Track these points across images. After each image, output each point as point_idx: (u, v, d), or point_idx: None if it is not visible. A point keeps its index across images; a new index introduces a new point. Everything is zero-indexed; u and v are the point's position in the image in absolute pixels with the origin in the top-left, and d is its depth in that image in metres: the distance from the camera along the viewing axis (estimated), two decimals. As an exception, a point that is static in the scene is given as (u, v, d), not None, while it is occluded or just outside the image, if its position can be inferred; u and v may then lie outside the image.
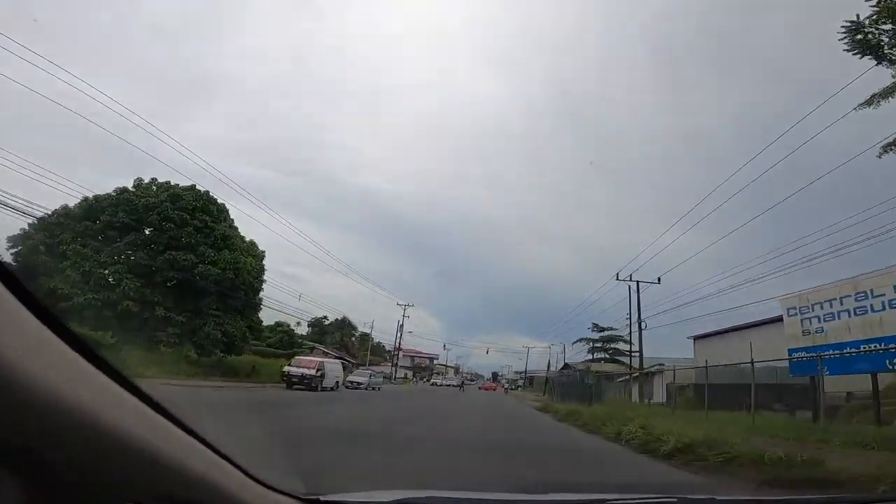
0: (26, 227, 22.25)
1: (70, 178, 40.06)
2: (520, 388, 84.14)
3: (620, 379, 34.03)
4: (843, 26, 9.71)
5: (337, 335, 77.67)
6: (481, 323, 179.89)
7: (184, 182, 26.09)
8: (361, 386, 33.09)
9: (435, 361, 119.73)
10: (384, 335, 78.44)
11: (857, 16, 9.50)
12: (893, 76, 9.98)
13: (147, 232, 24.34)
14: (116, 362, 0.75)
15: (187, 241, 24.31)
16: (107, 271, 22.34)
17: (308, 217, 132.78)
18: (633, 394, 31.35)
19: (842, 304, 14.08)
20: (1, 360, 0.57)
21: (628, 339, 59.38)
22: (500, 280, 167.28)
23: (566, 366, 51.06)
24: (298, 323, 74.38)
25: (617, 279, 28.08)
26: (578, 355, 64.72)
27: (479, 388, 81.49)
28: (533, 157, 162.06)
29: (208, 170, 48.79)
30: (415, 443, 8.85)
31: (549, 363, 71.18)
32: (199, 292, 24.27)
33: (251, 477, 1.12)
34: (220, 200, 27.31)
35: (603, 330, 72.30)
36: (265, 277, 29.13)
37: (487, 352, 78.16)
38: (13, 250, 22.10)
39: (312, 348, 71.64)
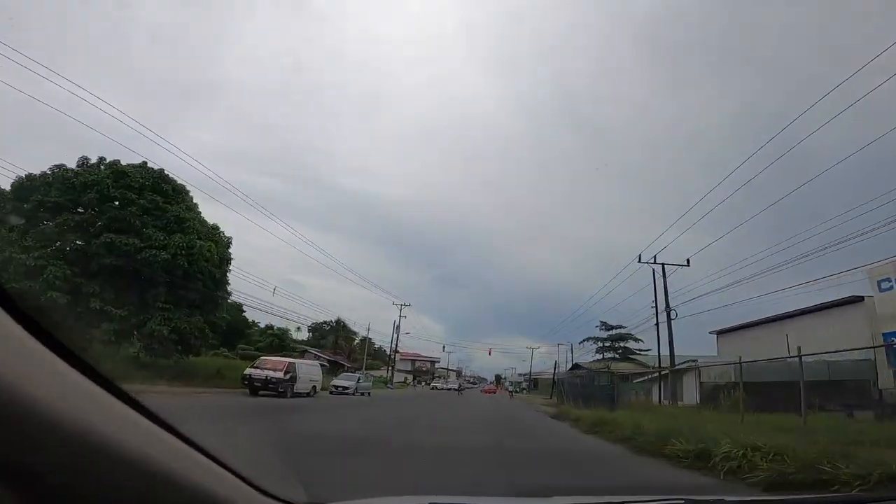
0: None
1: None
2: (524, 391, 79.95)
3: (640, 379, 30.04)
4: None
5: (331, 338, 73.66)
6: (483, 327, 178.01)
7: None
8: (348, 391, 29.32)
9: (436, 365, 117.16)
10: (387, 339, 75.31)
11: None
12: None
13: (82, 212, 20.57)
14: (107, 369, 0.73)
15: (132, 222, 20.54)
16: (28, 256, 18.53)
17: (307, 222, 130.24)
18: (654, 395, 27.45)
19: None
20: None
21: (639, 337, 55.88)
22: (501, 283, 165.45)
23: (576, 366, 47.01)
24: (298, 328, 71.13)
25: (639, 261, 24.29)
26: (585, 356, 60.80)
27: (481, 392, 77.91)
28: (533, 160, 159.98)
29: (204, 172, 45.45)
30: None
31: (556, 364, 66.82)
32: (146, 283, 20.49)
33: (255, 487, 1.08)
34: (179, 181, 23.62)
35: (612, 328, 68.57)
36: (232, 267, 25.32)
37: (490, 353, 73.95)
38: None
39: (304, 351, 67.84)
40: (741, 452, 6.51)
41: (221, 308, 23.91)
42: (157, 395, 14.80)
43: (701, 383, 21.38)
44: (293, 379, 20.80)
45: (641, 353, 54.26)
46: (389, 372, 66.27)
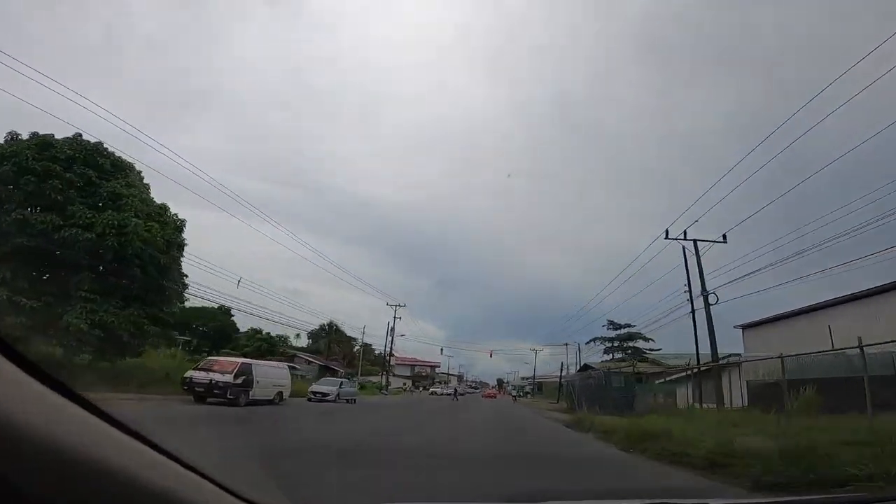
0: None
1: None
2: (528, 395, 75.93)
3: (663, 379, 26.26)
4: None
5: (322, 342, 69.79)
6: (485, 331, 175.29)
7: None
8: (328, 398, 25.63)
9: (437, 370, 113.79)
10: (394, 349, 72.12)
11: None
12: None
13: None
14: (66, 378, 0.73)
15: (53, 197, 17.01)
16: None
17: (307, 228, 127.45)
18: (682, 397, 23.70)
19: None
20: None
21: (648, 336, 52.20)
22: (503, 287, 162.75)
23: (586, 367, 43.16)
24: (298, 335, 67.77)
25: (666, 237, 20.58)
26: (591, 357, 57.00)
27: (483, 397, 74.11)
28: (533, 162, 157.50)
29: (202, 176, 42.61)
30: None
31: (562, 365, 62.87)
32: (68, 268, 16.94)
33: (230, 492, 1.04)
34: (124, 157, 20.19)
35: (620, 327, 64.98)
36: (186, 254, 21.73)
37: (490, 355, 70.20)
38: None
39: (293, 356, 64.09)
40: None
41: (169, 300, 20.24)
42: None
43: (747, 381, 17.66)
44: (248, 383, 17.10)
45: (653, 352, 50.56)
46: (383, 377, 62.34)
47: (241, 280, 26.70)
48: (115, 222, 17.47)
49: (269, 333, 64.32)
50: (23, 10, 65.52)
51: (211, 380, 16.05)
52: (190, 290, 23.06)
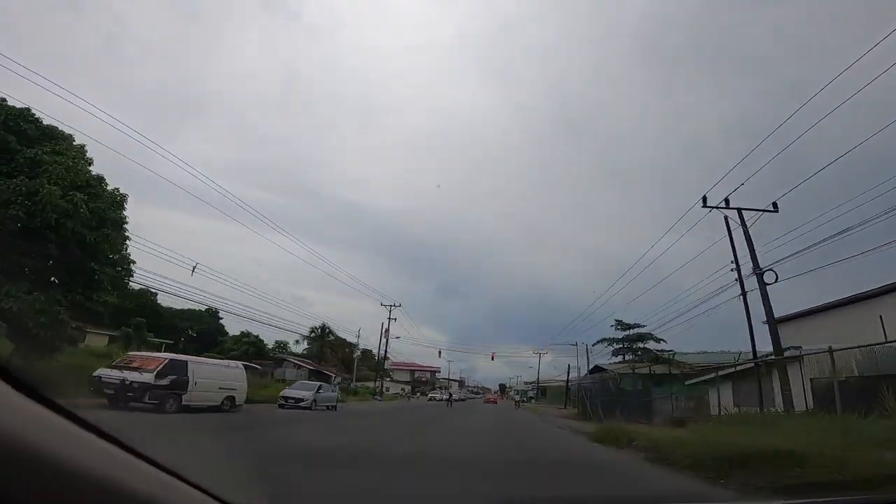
0: None
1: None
2: (532, 401, 72.15)
3: (692, 381, 22.67)
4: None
5: (315, 346, 66.20)
6: (487, 336, 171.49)
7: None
8: (302, 404, 22.21)
9: (437, 375, 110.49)
10: (393, 352, 69.30)
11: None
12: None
13: None
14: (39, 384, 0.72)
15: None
16: None
17: (305, 235, 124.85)
18: (712, 400, 20.16)
19: None
20: None
21: (659, 337, 48.55)
22: (504, 292, 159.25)
23: (597, 368, 39.45)
24: (297, 341, 64.91)
25: (704, 205, 17.08)
26: (599, 360, 53.37)
27: (484, 402, 70.66)
28: (533, 166, 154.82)
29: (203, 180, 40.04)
30: None
31: (572, 368, 59.08)
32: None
33: (211, 495, 1.03)
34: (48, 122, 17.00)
35: (629, 327, 61.48)
36: (129, 234, 18.40)
37: (492, 357, 66.47)
38: None
39: (282, 360, 60.59)
40: None
41: (100, 286, 16.83)
42: None
43: (811, 379, 14.14)
44: (178, 385, 13.64)
45: (665, 353, 46.76)
46: (378, 382, 58.74)
47: (207, 271, 23.02)
48: (24, 189, 14.18)
49: (257, 336, 61.01)
50: (22, 16, 64.91)
51: (124, 380, 12.57)
52: (174, 289, 19.92)
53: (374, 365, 70.54)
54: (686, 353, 38.97)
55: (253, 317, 40.57)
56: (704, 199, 17.35)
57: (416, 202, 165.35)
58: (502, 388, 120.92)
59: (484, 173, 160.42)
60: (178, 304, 55.94)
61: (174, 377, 13.53)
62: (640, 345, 58.97)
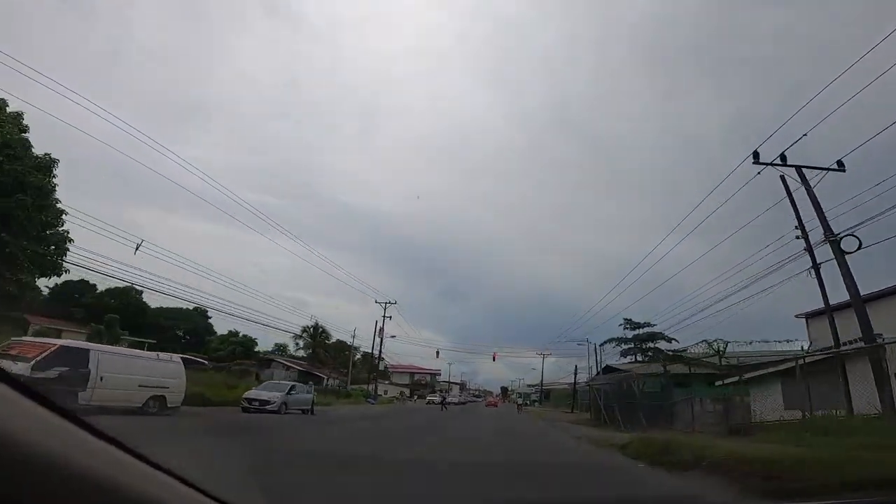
0: None
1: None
2: (536, 404, 68.66)
3: (722, 381, 19.29)
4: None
5: (311, 347, 62.70)
6: (488, 338, 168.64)
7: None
8: (269, 407, 18.97)
9: (437, 377, 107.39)
10: (391, 354, 67.39)
11: None
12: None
13: None
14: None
15: None
16: None
17: (306, 237, 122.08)
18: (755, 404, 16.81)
19: None
20: None
21: (671, 337, 45.09)
22: (505, 295, 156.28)
23: (608, 369, 35.96)
24: (297, 343, 62.34)
25: (755, 161, 13.72)
26: (607, 359, 49.97)
27: (486, 405, 67.53)
28: (533, 169, 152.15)
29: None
30: None
31: (576, 368, 55.64)
32: None
33: (209, 496, 1.02)
34: None
35: (638, 326, 58.03)
36: (58, 201, 15.22)
37: (494, 358, 63.10)
38: None
39: (270, 360, 57.27)
40: None
41: (16, 261, 13.56)
42: None
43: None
44: (69, 380, 10.30)
45: (680, 352, 43.18)
46: (373, 384, 55.30)
47: (142, 244, 19.74)
48: None
49: (245, 336, 57.73)
50: (25, 20, 63.74)
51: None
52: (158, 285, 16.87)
53: (372, 366, 67.39)
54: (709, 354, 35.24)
55: (243, 315, 37.35)
56: (756, 154, 13.98)
57: (415, 204, 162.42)
58: (504, 391, 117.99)
59: (484, 174, 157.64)
60: (168, 303, 53.68)
61: (64, 369, 10.26)
62: (651, 344, 55.68)
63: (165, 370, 13.20)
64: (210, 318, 66.19)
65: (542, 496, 5.61)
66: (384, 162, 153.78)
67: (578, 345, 50.63)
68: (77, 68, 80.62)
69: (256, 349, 59.68)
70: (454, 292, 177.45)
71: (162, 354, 14.17)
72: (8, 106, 16.43)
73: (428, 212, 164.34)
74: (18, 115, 16.36)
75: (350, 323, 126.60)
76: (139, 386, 12.24)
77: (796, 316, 28.90)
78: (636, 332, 56.66)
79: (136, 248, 18.46)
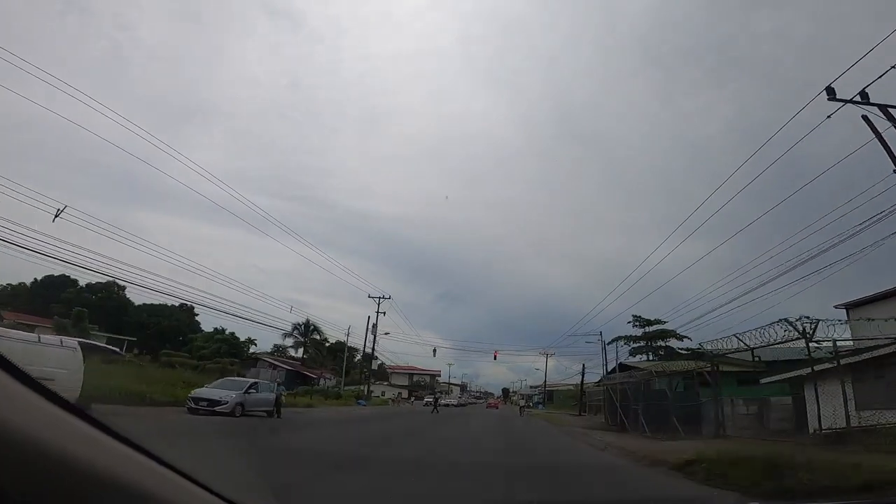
0: None
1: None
2: (539, 406, 65.26)
3: (771, 378, 15.96)
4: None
5: (298, 343, 59.49)
6: (491, 341, 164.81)
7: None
8: (220, 408, 15.86)
9: (438, 379, 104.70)
10: (390, 354, 67.45)
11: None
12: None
13: None
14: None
15: None
16: None
17: (310, 241, 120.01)
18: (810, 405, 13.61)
19: None
20: None
21: (683, 335, 41.71)
22: (506, 298, 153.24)
23: (623, 367, 32.53)
24: (294, 345, 59.71)
25: (830, 97, 10.38)
26: (614, 358, 46.67)
27: (486, 407, 64.55)
28: (534, 171, 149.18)
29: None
30: None
31: (584, 367, 52.16)
32: None
33: (217, 495, 1.01)
34: None
35: (648, 324, 54.80)
36: None
37: (495, 356, 60.14)
38: None
39: (256, 359, 54.06)
40: None
41: None
42: None
43: None
44: None
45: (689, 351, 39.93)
46: (365, 384, 51.99)
47: (65, 210, 16.63)
48: None
49: (232, 333, 54.56)
50: (27, 22, 62.47)
51: None
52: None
53: (375, 368, 64.27)
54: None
55: (230, 311, 34.42)
56: (830, 90, 10.71)
57: (419, 208, 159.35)
58: (505, 392, 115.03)
59: (488, 178, 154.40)
60: (156, 300, 51.32)
61: None
62: (662, 342, 52.33)
63: (53, 357, 9.93)
64: (197, 314, 63.40)
65: None
66: (386, 166, 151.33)
67: (587, 342, 47.20)
68: (77, 68, 78.26)
69: (252, 350, 56.83)
70: (456, 295, 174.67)
71: (51, 338, 10.95)
72: None
73: (430, 215, 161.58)
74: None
75: (354, 326, 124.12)
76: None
77: (835, 306, 25.64)
78: (645, 329, 53.50)
79: (56, 216, 15.37)
